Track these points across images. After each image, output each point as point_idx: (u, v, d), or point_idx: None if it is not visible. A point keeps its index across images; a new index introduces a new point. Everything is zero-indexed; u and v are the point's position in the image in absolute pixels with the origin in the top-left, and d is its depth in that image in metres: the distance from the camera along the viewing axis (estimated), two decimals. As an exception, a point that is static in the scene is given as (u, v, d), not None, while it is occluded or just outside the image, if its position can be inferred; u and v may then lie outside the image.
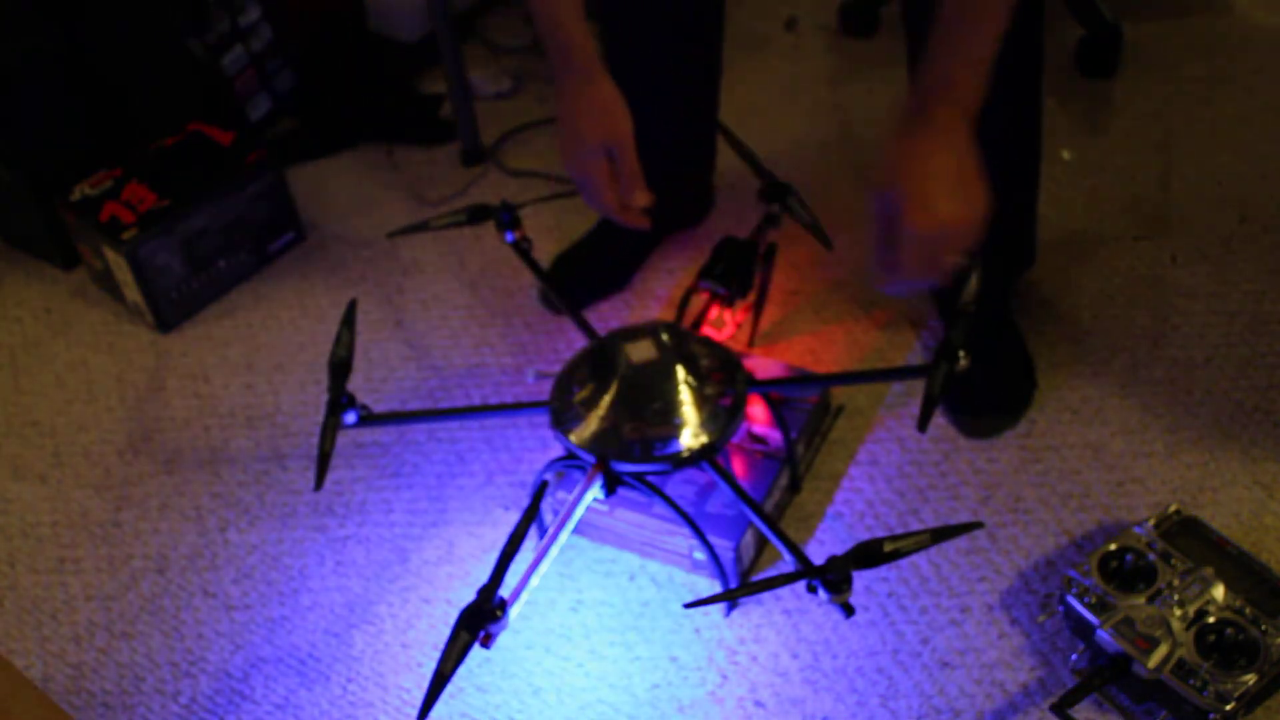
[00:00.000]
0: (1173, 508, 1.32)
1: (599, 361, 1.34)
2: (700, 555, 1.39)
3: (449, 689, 1.11)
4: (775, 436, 1.45)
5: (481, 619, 1.14)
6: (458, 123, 2.02)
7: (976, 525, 1.20)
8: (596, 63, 1.33)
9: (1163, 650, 1.19)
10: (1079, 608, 1.24)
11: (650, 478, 1.31)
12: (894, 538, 1.13)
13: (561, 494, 1.39)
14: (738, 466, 1.43)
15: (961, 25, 1.14)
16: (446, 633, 1.13)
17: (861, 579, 1.37)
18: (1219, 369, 1.54)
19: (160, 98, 2.00)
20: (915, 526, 1.43)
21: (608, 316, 1.73)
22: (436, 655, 1.12)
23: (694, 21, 1.61)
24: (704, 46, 1.64)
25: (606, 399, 1.31)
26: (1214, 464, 1.44)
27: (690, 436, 1.29)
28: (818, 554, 1.41)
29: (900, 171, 1.14)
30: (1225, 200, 1.76)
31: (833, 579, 1.13)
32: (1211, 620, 1.20)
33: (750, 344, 1.64)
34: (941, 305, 1.62)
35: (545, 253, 1.78)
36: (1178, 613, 1.22)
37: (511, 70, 2.21)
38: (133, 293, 1.82)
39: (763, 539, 1.42)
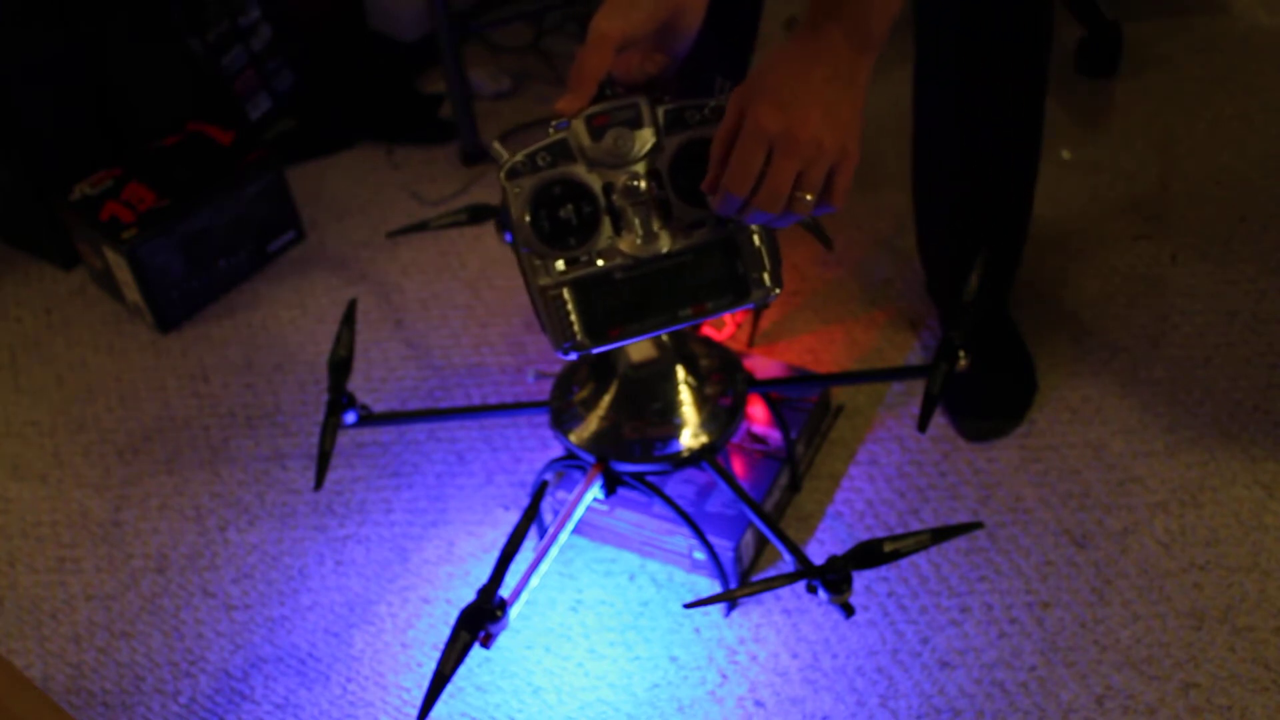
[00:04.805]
0: None
1: (599, 361, 1.34)
2: (700, 555, 1.39)
3: (449, 689, 1.11)
4: (775, 436, 1.45)
5: (481, 619, 1.14)
6: (457, 123, 2.02)
7: (976, 525, 1.20)
8: None
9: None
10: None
11: (650, 478, 1.31)
12: (894, 538, 1.13)
13: (561, 494, 1.39)
14: (738, 466, 1.43)
15: None
16: (446, 633, 1.13)
17: (861, 579, 1.37)
18: (1219, 369, 1.54)
19: (160, 97, 2.00)
20: (915, 526, 1.43)
21: (608, 316, 1.73)
22: (436, 655, 1.12)
23: (730, 28, 1.59)
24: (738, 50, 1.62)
25: (606, 399, 1.31)
26: (1214, 464, 1.44)
27: (690, 436, 1.29)
28: (818, 554, 1.41)
29: (763, 71, 0.99)
30: (1225, 200, 1.76)
31: (833, 579, 1.13)
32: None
33: (750, 344, 1.64)
34: (941, 304, 1.62)
35: (545, 253, 1.78)
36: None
37: (511, 70, 2.21)
38: (133, 293, 1.82)
39: (763, 539, 1.42)
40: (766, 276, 1.09)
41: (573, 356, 1.09)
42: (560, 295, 1.07)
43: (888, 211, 1.77)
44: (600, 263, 1.07)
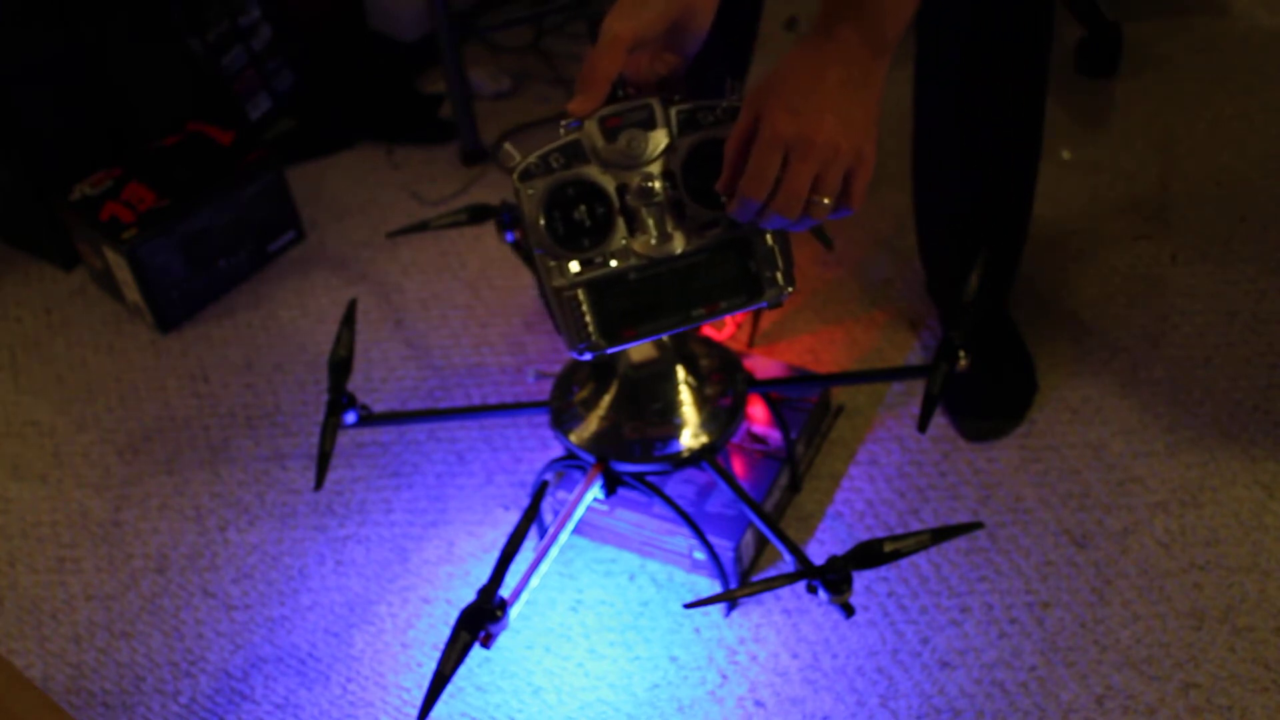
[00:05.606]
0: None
1: (599, 361, 1.34)
2: (700, 555, 1.39)
3: (449, 689, 1.11)
4: (775, 436, 1.45)
5: (481, 619, 1.14)
6: (458, 123, 2.02)
7: (976, 525, 1.20)
8: None
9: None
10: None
11: (650, 478, 1.31)
12: (894, 538, 1.13)
13: (561, 494, 1.39)
14: (738, 466, 1.43)
15: None
16: (446, 633, 1.13)
17: (861, 579, 1.37)
18: (1219, 369, 1.54)
19: (160, 97, 2.00)
20: (915, 526, 1.43)
21: (608, 316, 1.73)
22: (436, 655, 1.13)
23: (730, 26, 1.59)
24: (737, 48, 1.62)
25: (606, 399, 1.31)
26: (1214, 464, 1.44)
27: (690, 436, 1.29)
28: (818, 554, 1.41)
29: (778, 76, 0.99)
30: (1225, 200, 1.76)
31: (833, 579, 1.13)
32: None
33: (750, 344, 1.64)
34: (941, 304, 1.62)
35: (545, 253, 1.78)
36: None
37: (511, 70, 2.21)
38: (133, 293, 1.82)
39: (763, 539, 1.42)
40: (779, 276, 1.09)
41: (588, 357, 1.09)
42: (575, 296, 1.07)
43: (888, 211, 1.77)
44: (614, 264, 1.07)
